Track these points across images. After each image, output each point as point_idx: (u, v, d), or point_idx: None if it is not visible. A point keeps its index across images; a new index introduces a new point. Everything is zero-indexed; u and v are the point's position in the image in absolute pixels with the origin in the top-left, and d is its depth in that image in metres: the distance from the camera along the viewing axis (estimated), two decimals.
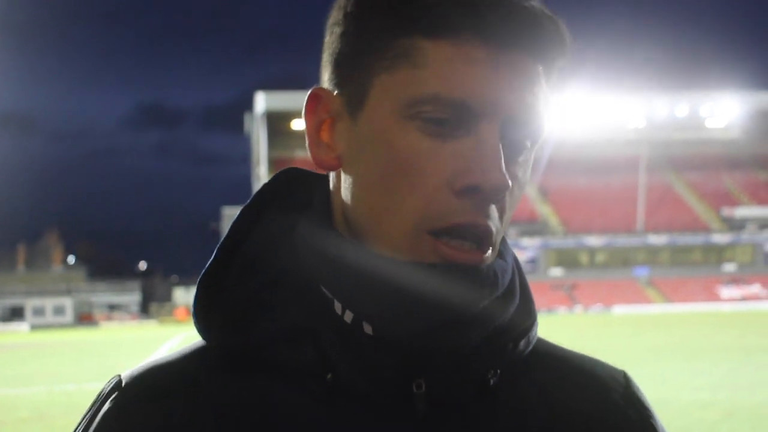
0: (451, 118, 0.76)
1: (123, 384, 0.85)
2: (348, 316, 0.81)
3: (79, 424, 0.87)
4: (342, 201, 0.83)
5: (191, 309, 0.88)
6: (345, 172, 0.83)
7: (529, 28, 0.77)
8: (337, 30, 0.82)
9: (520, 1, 0.76)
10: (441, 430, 0.82)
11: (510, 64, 0.76)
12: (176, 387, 0.84)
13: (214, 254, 0.87)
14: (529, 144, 0.80)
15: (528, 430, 0.85)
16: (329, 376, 0.81)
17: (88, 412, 0.87)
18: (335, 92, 0.82)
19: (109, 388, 0.87)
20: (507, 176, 0.76)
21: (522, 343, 0.87)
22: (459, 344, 0.80)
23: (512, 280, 0.86)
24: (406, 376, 0.81)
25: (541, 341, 0.93)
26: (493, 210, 0.78)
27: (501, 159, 0.76)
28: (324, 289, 0.82)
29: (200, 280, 0.87)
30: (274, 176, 0.92)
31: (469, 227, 0.77)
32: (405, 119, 0.77)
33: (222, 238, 0.88)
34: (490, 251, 0.79)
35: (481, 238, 0.78)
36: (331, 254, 0.81)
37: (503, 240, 0.87)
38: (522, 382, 0.88)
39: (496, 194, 0.76)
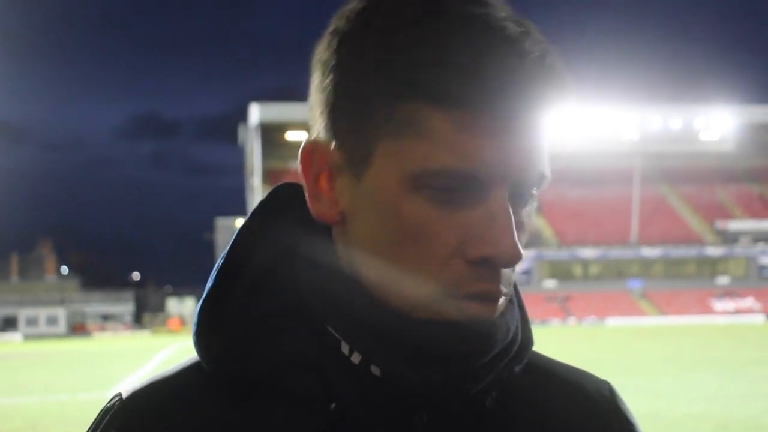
0: (460, 188, 0.76)
1: (124, 400, 0.86)
2: (356, 358, 0.81)
3: None
4: (347, 249, 0.82)
5: (192, 336, 0.86)
6: (349, 228, 0.81)
7: (535, 91, 0.75)
8: (330, 77, 0.79)
9: (525, 64, 0.75)
10: None
11: (517, 129, 0.76)
12: (176, 406, 0.84)
13: (213, 278, 0.86)
14: (534, 191, 0.80)
15: None
16: (333, 405, 0.81)
17: (90, 428, 0.88)
18: (333, 144, 0.81)
19: (109, 404, 0.87)
20: (519, 245, 0.76)
21: (518, 367, 0.88)
22: (470, 389, 0.83)
23: (513, 311, 0.86)
24: (408, 408, 0.82)
25: (531, 354, 0.94)
26: (506, 272, 0.79)
27: (513, 228, 0.76)
28: (330, 329, 0.82)
29: (201, 305, 0.86)
30: (270, 193, 0.90)
31: (481, 294, 0.78)
32: (413, 189, 0.76)
33: (221, 260, 0.87)
34: (502, 300, 0.80)
35: (494, 299, 0.79)
36: (344, 304, 0.81)
37: None
38: (513, 397, 0.89)
39: (510, 265, 0.77)
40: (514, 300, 0.87)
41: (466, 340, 0.78)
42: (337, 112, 0.79)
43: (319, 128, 0.82)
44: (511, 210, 0.77)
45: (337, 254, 0.83)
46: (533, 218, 0.84)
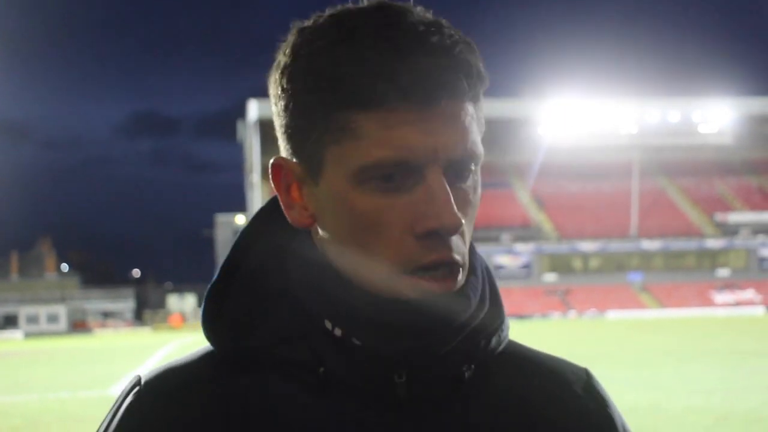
0: (397, 176, 0.87)
1: (143, 382, 0.97)
2: (338, 332, 0.93)
3: (104, 419, 0.99)
4: (322, 246, 0.95)
5: (200, 319, 0.99)
6: (320, 227, 0.94)
7: (448, 80, 0.87)
8: (281, 104, 0.92)
9: (431, 59, 0.87)
10: (419, 416, 0.94)
11: (438, 115, 0.87)
12: (189, 385, 0.96)
13: (218, 271, 0.99)
14: (473, 166, 0.91)
15: (498, 417, 0.98)
16: (321, 369, 0.93)
17: (112, 408, 0.99)
18: (294, 159, 0.94)
19: (130, 386, 0.98)
20: (458, 214, 0.87)
21: (493, 340, 0.99)
22: (437, 352, 0.93)
23: (483, 288, 0.97)
24: (389, 369, 0.93)
25: (512, 343, 1.05)
26: (455, 240, 0.90)
27: (450, 200, 0.87)
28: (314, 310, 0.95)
29: (207, 293, 0.99)
30: (270, 199, 1.02)
31: (436, 264, 0.88)
32: (359, 183, 0.88)
33: (226, 257, 1.00)
34: (461, 274, 0.91)
35: (450, 268, 0.89)
36: (323, 290, 0.93)
37: (472, 251, 0.97)
38: (493, 376, 1.00)
39: (452, 233, 0.88)
40: (480, 275, 0.97)
41: (424, 316, 0.89)
42: (290, 131, 0.92)
43: (281, 149, 0.95)
44: (447, 186, 0.88)
45: (317, 251, 0.95)
46: (478, 192, 0.93)
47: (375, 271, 0.90)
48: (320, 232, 0.95)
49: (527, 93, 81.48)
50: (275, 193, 0.98)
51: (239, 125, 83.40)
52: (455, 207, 0.87)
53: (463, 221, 0.89)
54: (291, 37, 0.92)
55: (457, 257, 0.90)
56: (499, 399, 0.99)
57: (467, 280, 0.94)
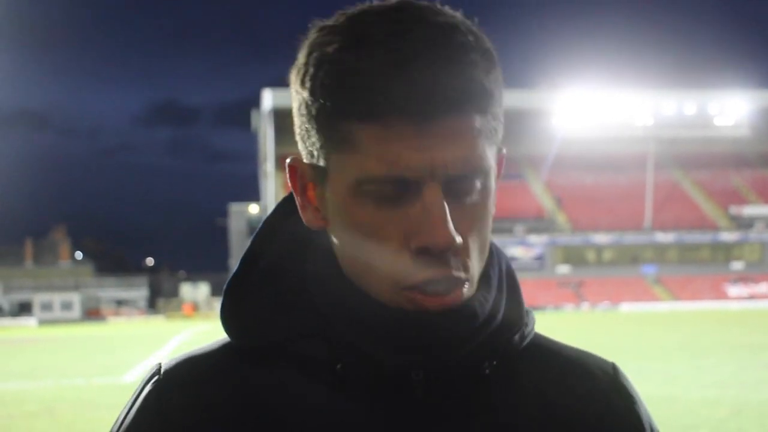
0: (394, 190, 0.86)
1: (162, 370, 0.98)
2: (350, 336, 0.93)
3: (125, 406, 0.99)
4: (334, 249, 0.94)
5: (220, 312, 0.99)
6: (330, 231, 0.94)
7: (448, 94, 0.84)
8: (295, 105, 0.93)
9: (439, 70, 0.84)
10: (438, 413, 0.93)
11: (438, 130, 0.84)
12: (209, 375, 0.96)
13: (239, 264, 0.99)
14: (479, 182, 0.88)
15: (520, 414, 0.96)
16: (339, 366, 0.92)
17: (132, 395, 0.99)
18: (306, 160, 0.93)
19: (150, 374, 0.99)
20: (453, 233, 0.85)
21: (516, 337, 0.97)
22: (457, 352, 0.92)
23: (500, 283, 0.97)
24: (407, 366, 0.92)
25: (538, 336, 1.03)
26: (454, 258, 0.87)
27: (445, 218, 0.85)
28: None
29: (226, 288, 0.99)
30: (289, 194, 1.01)
31: (429, 281, 0.87)
32: (357, 194, 0.87)
33: (245, 250, 1.00)
34: (465, 288, 0.89)
35: (448, 284, 0.87)
36: (338, 296, 0.92)
37: (490, 255, 0.96)
38: (516, 372, 0.98)
39: (445, 251, 0.86)
40: (493, 284, 0.96)
41: (426, 330, 0.88)
42: (302, 133, 0.92)
43: (299, 149, 0.95)
44: (445, 203, 0.85)
45: (331, 252, 0.95)
46: (488, 205, 0.90)
47: (376, 282, 0.89)
48: (331, 236, 0.94)
49: (542, 84, 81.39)
50: (290, 191, 0.98)
51: (253, 115, 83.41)
52: (451, 225, 0.85)
53: (469, 236, 0.88)
54: (310, 36, 0.91)
55: (458, 274, 0.88)
56: (522, 394, 0.97)
57: (476, 294, 0.92)
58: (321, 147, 0.89)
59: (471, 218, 0.88)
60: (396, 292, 0.88)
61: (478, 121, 0.87)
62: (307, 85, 0.88)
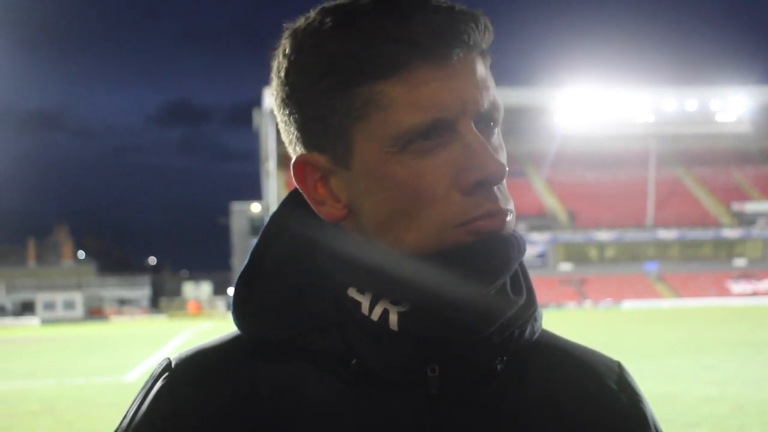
0: (433, 134, 0.86)
1: (173, 365, 0.96)
2: (375, 314, 0.90)
3: (134, 401, 0.97)
4: (360, 235, 0.92)
5: (231, 306, 0.97)
6: (357, 214, 0.91)
7: (460, 32, 0.86)
8: (292, 106, 0.91)
9: (443, 14, 0.86)
10: (451, 409, 0.93)
11: (459, 70, 0.87)
12: (220, 369, 0.94)
13: (248, 259, 0.97)
14: (496, 118, 0.91)
15: (529, 411, 0.96)
16: (354, 361, 0.91)
17: (142, 390, 0.97)
18: (316, 153, 0.92)
19: (160, 369, 0.97)
20: (501, 160, 0.88)
21: (527, 332, 0.96)
22: (473, 335, 0.90)
23: (517, 275, 0.96)
24: (422, 362, 0.91)
25: (544, 332, 1.02)
26: (498, 190, 0.89)
27: (489, 148, 0.87)
28: (351, 293, 0.92)
29: (237, 281, 0.97)
30: (294, 189, 0.99)
31: (490, 213, 0.88)
32: (394, 153, 0.87)
33: (254, 246, 0.99)
34: (509, 218, 0.90)
35: (499, 216, 0.88)
36: (364, 262, 0.90)
37: None
38: (526, 368, 0.98)
39: (500, 179, 0.87)
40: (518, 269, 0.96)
41: (479, 259, 0.87)
42: (309, 124, 0.90)
43: (299, 150, 0.93)
44: (482, 136, 0.88)
45: (350, 237, 0.93)
46: (503, 153, 0.91)
47: (422, 232, 0.88)
48: (358, 219, 0.92)
49: (543, 81, 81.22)
50: (295, 186, 0.96)
51: (255, 114, 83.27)
52: (497, 153, 0.88)
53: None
54: (285, 41, 0.91)
55: (502, 205, 0.88)
56: (530, 391, 0.97)
57: (512, 278, 0.94)
58: (338, 125, 0.88)
59: (499, 151, 0.90)
60: (446, 233, 0.87)
61: (483, 62, 0.90)
62: (309, 71, 0.88)
